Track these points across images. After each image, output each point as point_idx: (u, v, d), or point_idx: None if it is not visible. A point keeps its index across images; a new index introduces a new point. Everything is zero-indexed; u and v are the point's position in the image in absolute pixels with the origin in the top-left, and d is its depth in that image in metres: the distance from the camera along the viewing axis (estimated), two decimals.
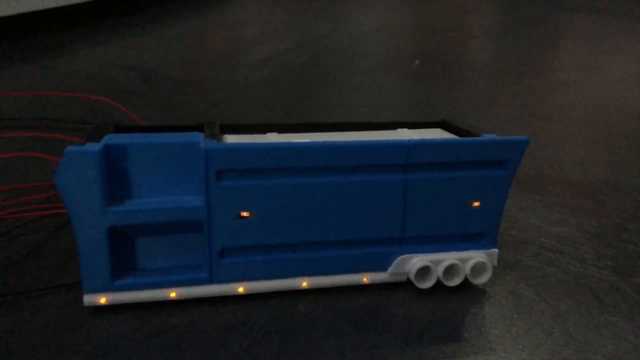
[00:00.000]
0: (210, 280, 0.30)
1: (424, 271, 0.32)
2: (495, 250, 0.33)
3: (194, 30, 0.88)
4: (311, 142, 0.29)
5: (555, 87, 0.75)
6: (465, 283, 0.33)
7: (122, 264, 0.30)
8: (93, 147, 0.27)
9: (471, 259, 0.32)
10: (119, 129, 0.32)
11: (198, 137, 0.29)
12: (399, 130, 0.35)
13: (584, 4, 1.18)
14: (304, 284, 0.31)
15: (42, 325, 0.28)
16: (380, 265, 0.32)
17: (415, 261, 0.32)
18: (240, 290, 0.31)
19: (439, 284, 0.33)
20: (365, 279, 0.32)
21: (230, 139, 0.32)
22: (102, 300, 0.29)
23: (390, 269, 0.32)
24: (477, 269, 0.33)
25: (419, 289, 0.32)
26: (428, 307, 0.31)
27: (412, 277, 0.32)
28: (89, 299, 0.29)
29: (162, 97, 0.63)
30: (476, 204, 0.32)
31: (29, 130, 0.51)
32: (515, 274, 0.35)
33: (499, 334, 0.29)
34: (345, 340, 0.29)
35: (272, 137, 0.32)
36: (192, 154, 0.29)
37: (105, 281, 0.29)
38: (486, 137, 0.31)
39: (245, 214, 0.30)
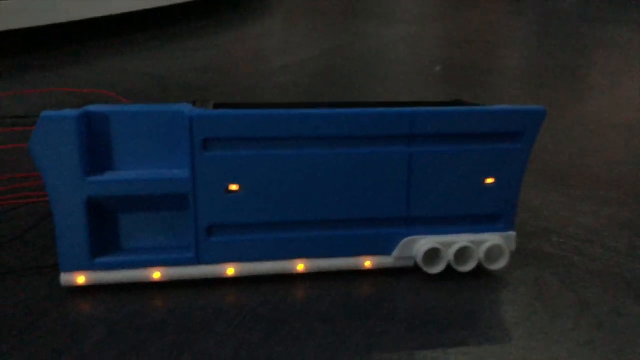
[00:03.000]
0: (197, 261, 0.28)
1: (432, 255, 0.29)
2: (513, 233, 0.30)
3: (216, 42, 0.88)
4: (306, 110, 0.27)
5: (587, 91, 0.71)
6: (479, 270, 0.30)
7: (103, 243, 0.28)
8: (70, 112, 0.26)
9: (485, 242, 0.29)
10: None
11: (186, 106, 0.27)
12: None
13: (615, 17, 1.14)
14: (300, 266, 0.29)
15: (15, 305, 0.26)
16: (384, 248, 0.29)
17: (423, 243, 0.29)
18: (230, 272, 0.28)
19: (449, 270, 0.29)
20: (368, 263, 0.29)
21: None
22: (81, 279, 0.27)
23: (394, 252, 0.29)
24: (493, 253, 0.30)
25: (427, 275, 0.29)
26: (437, 294, 0.28)
27: (419, 260, 0.29)
28: (66, 279, 0.27)
29: (173, 99, 0.62)
30: (490, 180, 0.29)
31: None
32: (536, 262, 0.31)
33: (518, 322, 0.26)
34: (341, 326, 0.26)
35: None
36: (177, 122, 0.27)
37: (83, 259, 0.27)
38: (499, 106, 0.29)
39: (233, 187, 0.27)
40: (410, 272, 0.30)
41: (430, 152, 0.28)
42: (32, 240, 0.32)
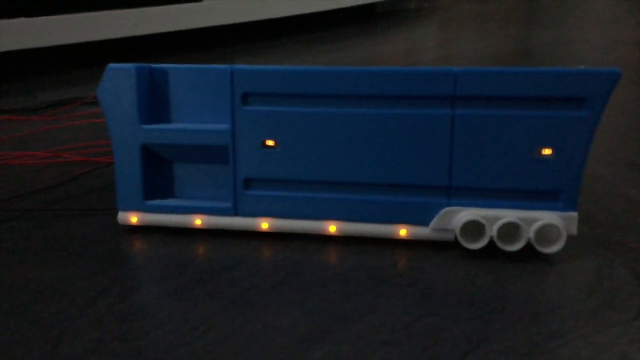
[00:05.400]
0: (235, 212, 0.29)
1: (474, 229, 0.27)
2: (574, 214, 0.26)
3: (361, 45, 0.90)
4: (344, 68, 0.27)
5: None
6: (530, 251, 0.27)
7: (155, 188, 0.30)
8: (133, 65, 0.28)
9: (538, 221, 0.26)
10: None
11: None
12: None
13: None
14: (332, 228, 0.28)
15: (77, 237, 0.30)
16: (422, 217, 0.27)
17: (464, 215, 0.27)
18: (264, 226, 0.29)
19: (494, 247, 0.27)
20: (403, 231, 0.28)
21: None
22: (134, 219, 0.30)
23: (432, 223, 0.27)
24: (546, 233, 0.26)
25: (467, 250, 0.27)
26: (471, 271, 0.26)
27: (458, 233, 0.27)
28: (122, 217, 0.30)
29: None
30: (547, 151, 0.26)
31: None
32: (605, 251, 0.27)
33: (569, 315, 0.23)
34: (354, 285, 0.25)
35: None
36: (222, 78, 0.28)
37: (137, 201, 0.30)
38: (560, 68, 0.25)
39: (270, 142, 0.28)
40: (450, 247, 0.28)
41: (476, 115, 0.26)
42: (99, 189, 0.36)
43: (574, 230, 0.26)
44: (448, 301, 0.24)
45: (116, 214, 0.30)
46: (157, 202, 0.30)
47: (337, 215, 0.28)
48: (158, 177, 0.30)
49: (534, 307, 0.23)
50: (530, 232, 0.26)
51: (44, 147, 0.43)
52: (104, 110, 0.29)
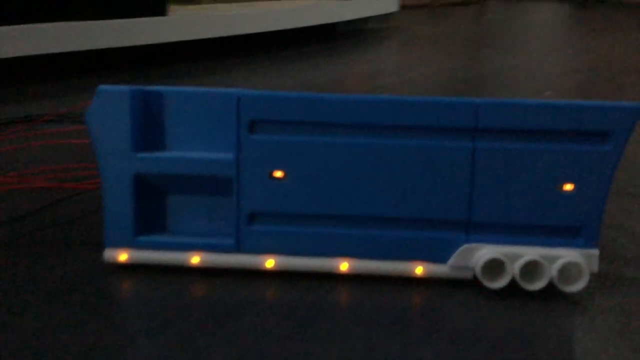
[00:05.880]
0: (237, 249, 0.27)
1: (495, 267, 0.26)
2: (596, 251, 0.25)
3: (323, 64, 0.89)
4: (359, 95, 0.25)
5: None
6: (552, 290, 0.26)
7: (147, 222, 0.27)
8: (126, 87, 0.26)
9: (560, 258, 0.25)
10: None
11: (238, 89, 0.27)
12: None
13: None
14: (344, 266, 0.27)
15: (57, 277, 0.27)
16: (440, 254, 0.26)
17: (484, 252, 0.26)
18: (269, 264, 0.27)
19: (514, 287, 0.26)
20: (419, 270, 0.26)
21: None
22: (123, 257, 0.27)
23: (451, 261, 0.26)
24: (569, 272, 0.25)
25: (487, 290, 0.26)
26: (495, 312, 0.25)
27: (478, 271, 0.25)
28: (109, 254, 0.27)
29: None
30: (569, 187, 0.25)
31: None
32: (628, 290, 0.26)
33: (589, 354, 0.22)
34: (377, 332, 0.23)
35: None
36: (227, 104, 0.26)
37: (127, 236, 0.27)
38: (583, 102, 0.25)
39: (278, 174, 0.26)
40: (469, 285, 0.26)
41: (498, 149, 0.25)
42: (81, 219, 0.33)
43: (595, 267, 0.26)
44: (479, 347, 0.22)
45: (100, 249, 0.27)
46: (149, 237, 0.27)
47: (350, 252, 0.27)
48: (151, 210, 0.28)
49: (568, 353, 0.22)
50: (552, 271, 0.25)
51: (8, 170, 0.39)
52: (93, 136, 0.26)
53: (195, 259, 0.27)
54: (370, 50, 1.08)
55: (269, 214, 0.27)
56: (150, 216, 0.27)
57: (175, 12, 0.84)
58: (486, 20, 1.65)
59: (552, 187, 0.25)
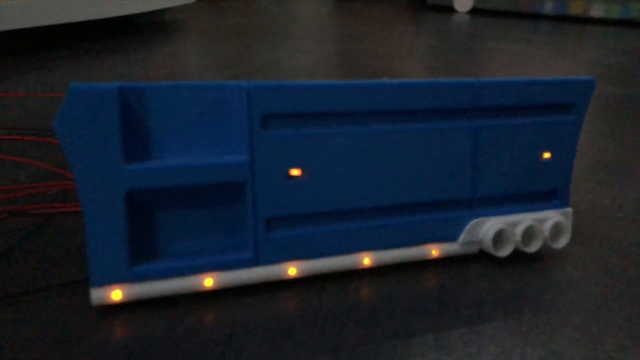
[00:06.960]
0: (256, 261, 0.24)
1: (498, 237, 0.27)
2: (570, 209, 0.29)
3: (133, 60, 0.81)
4: (374, 81, 0.24)
5: None
6: (541, 250, 0.28)
7: (143, 248, 0.22)
8: (108, 84, 0.21)
9: (548, 220, 0.28)
10: None
11: (242, 82, 0.23)
12: None
13: (503, 36, 1.24)
14: (366, 261, 0.25)
15: (38, 332, 0.20)
16: (451, 233, 0.27)
17: (490, 225, 0.27)
18: (292, 272, 0.24)
19: (514, 252, 0.28)
20: (434, 251, 0.27)
21: None
22: (117, 295, 0.22)
23: (461, 238, 0.27)
24: (555, 230, 0.28)
25: (486, 261, 0.27)
26: (515, 279, 0.26)
27: (488, 244, 0.27)
28: (98, 296, 0.21)
29: None
30: (547, 155, 0.28)
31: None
32: (593, 243, 0.31)
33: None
34: (430, 319, 0.23)
35: None
36: (232, 98, 0.23)
37: (121, 269, 0.22)
38: (551, 78, 0.28)
39: (296, 172, 0.24)
40: (476, 259, 0.28)
41: (495, 125, 0.27)
42: (19, 260, 0.26)
43: (570, 224, 0.29)
44: (499, 310, 0.24)
45: (82, 290, 0.22)
46: (150, 265, 0.22)
47: (370, 245, 0.25)
48: (145, 232, 0.23)
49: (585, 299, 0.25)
50: (545, 232, 0.28)
51: None
52: (66, 148, 0.20)
53: (208, 282, 0.23)
54: (173, 42, 1.03)
55: (287, 217, 0.24)
56: (145, 240, 0.23)
57: None
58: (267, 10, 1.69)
59: (535, 156, 0.28)
